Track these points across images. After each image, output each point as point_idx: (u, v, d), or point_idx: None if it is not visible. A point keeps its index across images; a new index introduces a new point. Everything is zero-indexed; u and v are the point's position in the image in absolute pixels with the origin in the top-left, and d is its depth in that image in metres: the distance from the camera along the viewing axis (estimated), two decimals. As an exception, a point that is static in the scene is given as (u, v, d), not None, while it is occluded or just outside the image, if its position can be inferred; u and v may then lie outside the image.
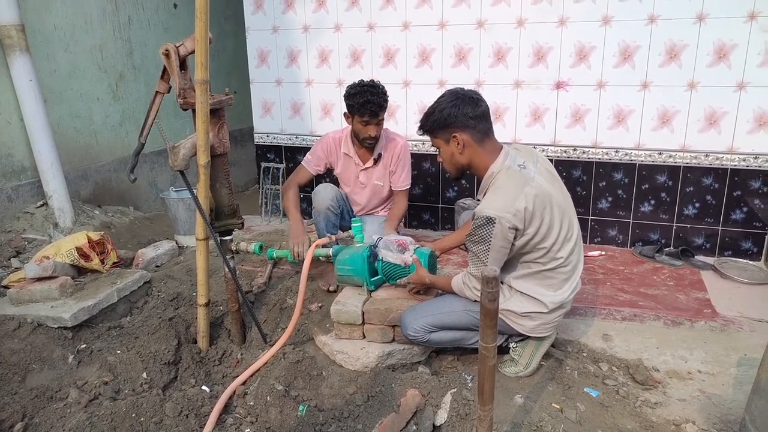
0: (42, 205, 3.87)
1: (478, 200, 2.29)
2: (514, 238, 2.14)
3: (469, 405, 2.22)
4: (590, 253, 3.65)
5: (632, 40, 3.43)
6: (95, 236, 3.44)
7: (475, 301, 2.36)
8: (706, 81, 3.34)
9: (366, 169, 3.40)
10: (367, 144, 3.27)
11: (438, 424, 2.18)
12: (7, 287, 3.18)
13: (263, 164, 4.65)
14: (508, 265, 2.31)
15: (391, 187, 3.46)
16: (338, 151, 3.41)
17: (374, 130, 3.18)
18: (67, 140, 4.12)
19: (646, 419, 2.25)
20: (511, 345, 2.49)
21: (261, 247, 2.94)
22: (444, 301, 2.47)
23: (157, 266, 3.69)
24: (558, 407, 2.25)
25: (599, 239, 3.84)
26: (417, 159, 4.14)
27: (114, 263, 3.48)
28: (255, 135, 4.56)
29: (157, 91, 2.73)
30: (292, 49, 4.24)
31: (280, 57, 4.29)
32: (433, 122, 2.25)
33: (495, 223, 2.08)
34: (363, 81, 3.16)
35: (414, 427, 2.18)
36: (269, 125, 4.49)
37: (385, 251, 2.75)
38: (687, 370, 2.55)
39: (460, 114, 2.18)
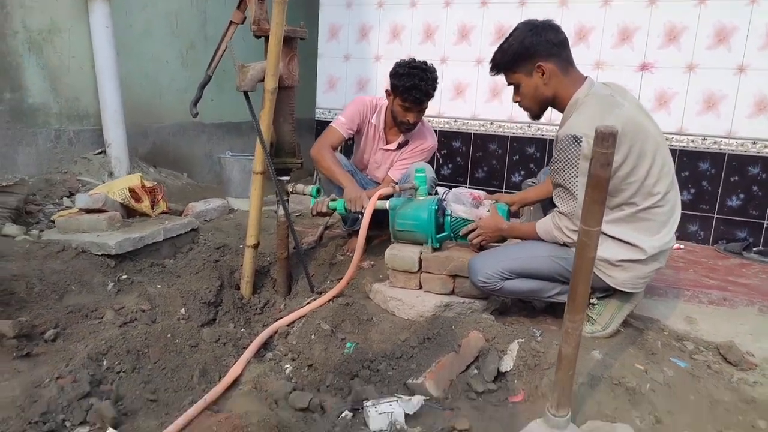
0: (100, 153, 3.86)
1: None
2: None
3: (538, 356, 1.97)
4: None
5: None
6: (149, 183, 3.37)
7: (564, 245, 2.11)
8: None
9: (387, 150, 3.13)
10: (404, 129, 3.00)
11: (503, 371, 1.93)
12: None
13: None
14: (610, 214, 2.06)
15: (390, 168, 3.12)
16: (369, 117, 3.12)
17: (414, 116, 2.91)
18: (133, 96, 4.13)
19: (746, 395, 1.95)
20: (590, 302, 2.21)
21: (318, 191, 2.78)
22: (524, 246, 2.23)
23: (206, 220, 3.59)
24: (642, 368, 1.97)
25: (677, 234, 3.51)
26: (483, 140, 3.96)
27: (163, 212, 3.39)
28: (316, 110, 4.50)
29: (231, 21, 2.69)
30: (364, 24, 4.19)
31: (351, 32, 4.24)
32: (514, 54, 2.06)
33: (581, 141, 1.87)
34: (414, 61, 2.87)
35: (476, 371, 1.94)
36: (332, 100, 4.41)
37: (456, 205, 2.50)
38: (789, 358, 2.22)
39: (543, 41, 2.02)
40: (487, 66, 3.46)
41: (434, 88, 2.84)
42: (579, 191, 1.94)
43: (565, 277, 2.10)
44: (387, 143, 3.12)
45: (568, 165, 1.93)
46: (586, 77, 2.08)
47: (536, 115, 2.20)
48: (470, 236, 2.40)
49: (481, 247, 2.44)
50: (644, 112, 2.10)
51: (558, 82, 2.06)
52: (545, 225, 2.15)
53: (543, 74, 2.05)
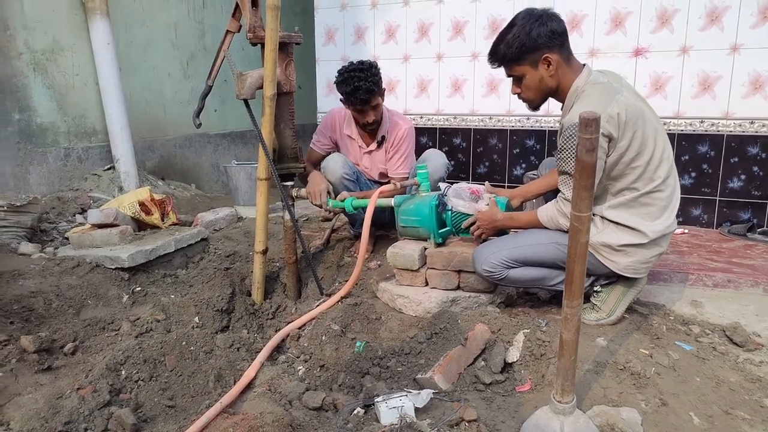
0: (109, 169, 3.94)
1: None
2: (607, 153, 1.96)
3: (544, 346, 2.00)
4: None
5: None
6: (158, 195, 3.45)
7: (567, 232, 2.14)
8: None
9: (370, 152, 3.17)
10: (369, 130, 3.07)
11: (510, 362, 1.97)
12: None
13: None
14: (599, 195, 2.10)
15: (388, 173, 3.16)
16: (341, 129, 3.19)
17: (371, 115, 2.95)
18: (138, 111, 4.21)
19: (752, 374, 1.97)
20: (594, 289, 2.25)
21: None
22: (527, 234, 2.25)
23: (216, 229, 3.66)
24: (647, 353, 2.00)
25: (680, 219, 3.53)
26: (483, 135, 3.99)
27: (173, 223, 3.46)
28: (318, 115, 4.54)
29: (227, 30, 2.73)
30: (359, 25, 4.23)
31: (347, 34, 4.29)
32: (520, 46, 2.02)
33: None
34: (351, 64, 2.92)
35: (483, 363, 1.99)
36: (333, 104, 4.42)
37: (455, 200, 2.54)
38: (796, 337, 2.24)
39: (548, 32, 2.01)
40: (484, 60, 3.45)
41: (376, 83, 2.87)
42: None
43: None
44: (367, 146, 3.17)
45: (574, 153, 1.96)
46: (584, 65, 2.11)
47: (537, 106, 2.21)
48: (471, 229, 2.43)
49: (482, 240, 2.48)
50: (641, 97, 2.12)
51: (563, 72, 2.07)
52: (548, 212, 2.17)
53: (549, 65, 2.05)
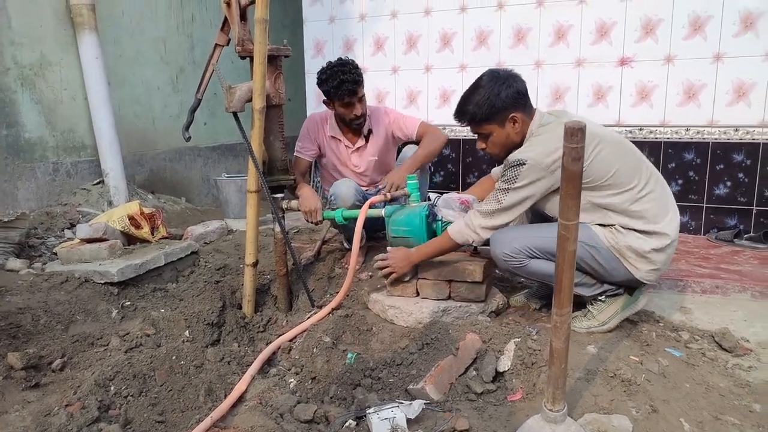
0: (98, 183, 3.92)
1: None
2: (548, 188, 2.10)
3: (535, 354, 2.01)
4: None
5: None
6: (147, 209, 3.44)
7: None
8: (786, 51, 3.13)
9: (357, 149, 3.19)
10: (356, 125, 3.09)
11: (501, 371, 1.98)
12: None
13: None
14: (607, 211, 2.15)
15: (408, 142, 3.21)
16: (324, 132, 3.20)
17: (359, 108, 3.00)
18: (127, 124, 4.21)
19: (741, 379, 1.99)
20: (598, 298, 2.27)
21: (310, 205, 2.83)
22: (555, 227, 2.28)
23: (206, 243, 3.65)
24: (637, 360, 2.01)
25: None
26: (471, 145, 4.00)
27: (163, 237, 3.45)
28: (308, 127, 4.56)
29: (216, 44, 2.74)
30: (348, 38, 4.26)
31: (335, 47, 4.32)
32: (490, 107, 2.14)
33: (524, 164, 2.05)
34: (330, 62, 2.99)
35: (474, 372, 1.99)
36: (322, 116, 4.47)
37: (445, 210, 2.54)
38: (784, 341, 2.26)
39: (514, 93, 2.14)
40: (472, 71, 3.52)
41: (360, 74, 2.95)
42: (504, 201, 2.13)
43: (590, 266, 2.17)
44: (354, 144, 3.19)
45: (507, 180, 2.11)
46: (535, 109, 2.22)
47: (502, 159, 2.28)
48: (379, 264, 2.48)
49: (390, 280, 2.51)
50: (594, 124, 2.20)
51: (525, 127, 2.19)
52: (459, 226, 2.27)
53: (515, 124, 2.17)
